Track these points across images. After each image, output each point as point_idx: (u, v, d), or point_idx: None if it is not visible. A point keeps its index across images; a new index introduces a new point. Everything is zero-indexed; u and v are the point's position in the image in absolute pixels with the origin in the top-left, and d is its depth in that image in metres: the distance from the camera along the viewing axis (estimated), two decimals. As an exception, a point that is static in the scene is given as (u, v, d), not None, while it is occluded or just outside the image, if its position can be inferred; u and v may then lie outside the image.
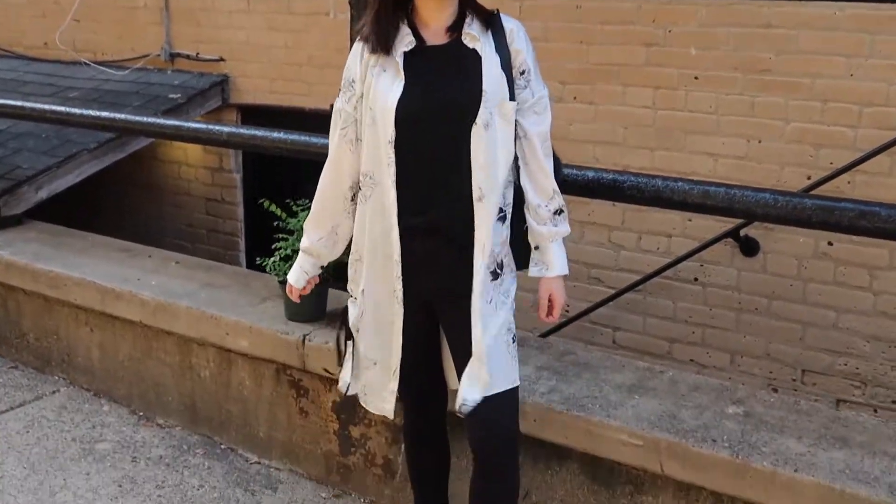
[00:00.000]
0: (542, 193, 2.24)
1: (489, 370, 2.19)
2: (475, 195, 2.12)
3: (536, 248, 2.28)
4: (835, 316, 4.35)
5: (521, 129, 2.20)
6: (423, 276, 2.24)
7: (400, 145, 2.14)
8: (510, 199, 2.23)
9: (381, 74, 2.17)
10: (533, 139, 2.20)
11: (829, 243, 4.28)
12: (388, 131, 2.14)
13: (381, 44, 2.14)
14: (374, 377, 2.40)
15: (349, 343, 2.43)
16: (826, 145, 4.25)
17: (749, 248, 4.48)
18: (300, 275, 2.52)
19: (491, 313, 2.20)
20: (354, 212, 2.33)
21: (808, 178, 4.27)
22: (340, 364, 2.55)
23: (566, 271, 2.31)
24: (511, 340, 2.25)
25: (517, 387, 2.27)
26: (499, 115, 2.12)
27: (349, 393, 2.46)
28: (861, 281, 4.27)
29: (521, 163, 2.22)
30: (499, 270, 2.21)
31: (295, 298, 2.59)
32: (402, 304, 2.25)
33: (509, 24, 2.18)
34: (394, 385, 2.34)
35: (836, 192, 4.12)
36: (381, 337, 2.33)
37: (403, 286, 2.23)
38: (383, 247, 2.23)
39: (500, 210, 2.19)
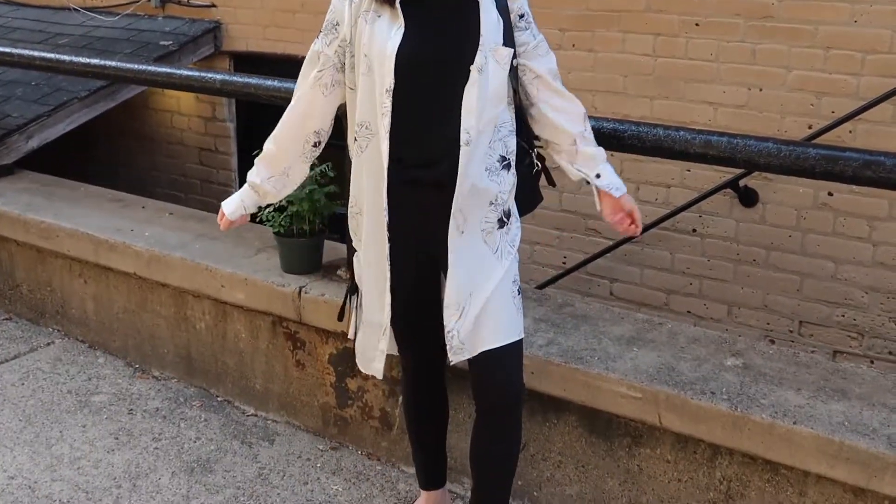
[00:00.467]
0: (577, 118, 2.24)
1: (494, 322, 2.16)
2: (462, 139, 2.07)
3: (597, 176, 2.26)
4: (833, 267, 4.33)
5: (530, 72, 2.17)
6: (419, 228, 2.20)
7: (397, 95, 2.08)
8: (513, 147, 2.18)
9: (375, 20, 2.11)
10: (545, 76, 2.19)
11: (829, 193, 4.24)
12: (387, 80, 2.08)
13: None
14: (367, 335, 2.37)
15: (354, 297, 2.39)
16: (828, 93, 4.19)
17: (748, 198, 4.44)
18: (237, 207, 2.46)
19: (495, 264, 2.17)
20: (312, 158, 2.35)
21: (810, 127, 4.22)
22: (341, 318, 2.51)
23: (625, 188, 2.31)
24: (517, 292, 2.21)
25: (521, 339, 2.24)
26: (493, 59, 2.08)
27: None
28: (860, 231, 4.24)
29: (543, 106, 2.20)
30: (505, 219, 2.18)
31: (223, 227, 2.49)
32: (388, 259, 2.20)
33: None
34: (384, 345, 2.29)
35: (838, 142, 4.07)
36: (373, 294, 2.30)
37: (391, 241, 2.18)
38: (377, 199, 2.19)
39: (503, 158, 2.15)
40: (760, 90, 4.33)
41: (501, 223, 2.17)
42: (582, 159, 2.25)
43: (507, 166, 2.17)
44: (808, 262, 4.38)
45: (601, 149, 2.28)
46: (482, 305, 2.15)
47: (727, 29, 4.34)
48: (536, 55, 2.17)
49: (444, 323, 2.17)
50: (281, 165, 2.37)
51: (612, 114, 4.61)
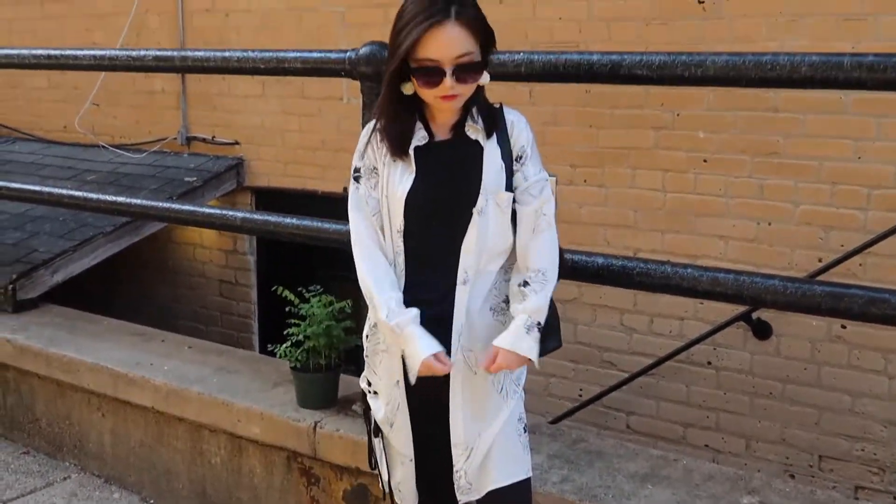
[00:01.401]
0: (520, 268, 2.20)
1: (501, 461, 2.17)
2: (460, 278, 2.14)
3: (527, 329, 2.17)
4: (850, 400, 4.31)
5: (517, 211, 2.20)
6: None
7: (407, 235, 2.18)
8: (506, 293, 2.23)
9: (392, 165, 2.21)
10: (522, 216, 2.19)
11: (843, 326, 4.26)
12: (398, 221, 2.18)
13: (399, 147, 2.18)
14: (408, 472, 2.33)
15: (377, 439, 2.37)
16: (836, 227, 4.26)
17: (762, 331, 4.46)
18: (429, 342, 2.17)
19: (500, 403, 2.20)
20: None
21: (820, 260, 4.27)
22: (371, 463, 2.48)
23: (532, 356, 2.16)
24: (522, 430, 2.23)
25: (530, 478, 2.24)
26: (494, 202, 2.15)
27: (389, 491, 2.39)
28: (876, 364, 4.24)
29: (518, 239, 2.20)
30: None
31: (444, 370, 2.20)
32: (404, 392, 2.23)
33: (510, 115, 2.23)
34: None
35: (848, 275, 4.12)
36: (406, 430, 2.30)
37: (406, 374, 2.22)
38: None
39: (492, 308, 2.20)
40: (769, 224, 4.41)
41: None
42: (521, 298, 2.19)
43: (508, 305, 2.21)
44: (824, 395, 4.36)
45: (543, 304, 2.18)
46: (489, 445, 2.17)
47: (734, 165, 4.46)
48: (527, 194, 2.19)
49: (453, 462, 2.19)
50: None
51: (623, 248, 4.70)
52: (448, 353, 2.15)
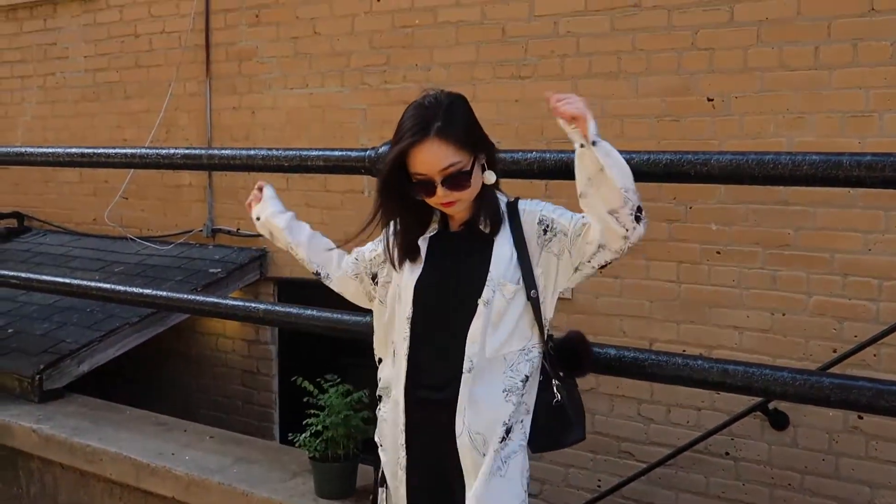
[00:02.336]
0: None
1: None
2: (465, 366, 2.20)
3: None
4: (870, 492, 4.28)
5: (584, 236, 2.19)
6: (434, 448, 2.28)
7: (415, 322, 2.28)
8: (525, 373, 2.25)
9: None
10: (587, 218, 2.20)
11: (859, 417, 4.27)
12: (407, 308, 2.28)
13: (409, 255, 2.31)
14: None
15: None
16: (849, 318, 4.31)
17: (778, 421, 4.47)
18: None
19: (498, 484, 2.21)
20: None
21: (835, 351, 4.30)
22: None
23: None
24: None
25: None
26: (500, 293, 2.22)
27: None
28: (894, 455, 4.23)
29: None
30: (505, 435, 2.22)
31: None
32: (405, 472, 2.30)
33: (523, 205, 2.30)
34: None
35: (863, 365, 4.15)
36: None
37: (408, 457, 2.29)
38: (395, 415, 2.32)
39: (505, 391, 2.22)
40: (783, 315, 4.46)
41: (502, 439, 2.21)
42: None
43: (510, 393, 2.23)
44: (843, 486, 4.34)
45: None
46: None
47: (747, 257, 4.53)
48: (579, 238, 2.20)
49: None
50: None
51: (640, 338, 4.75)
52: (453, 435, 2.20)
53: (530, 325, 2.26)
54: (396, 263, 2.34)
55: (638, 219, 2.11)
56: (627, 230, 2.11)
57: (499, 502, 2.21)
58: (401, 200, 2.27)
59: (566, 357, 2.38)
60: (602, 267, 2.23)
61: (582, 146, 2.13)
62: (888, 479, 4.24)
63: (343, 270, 2.61)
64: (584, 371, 2.47)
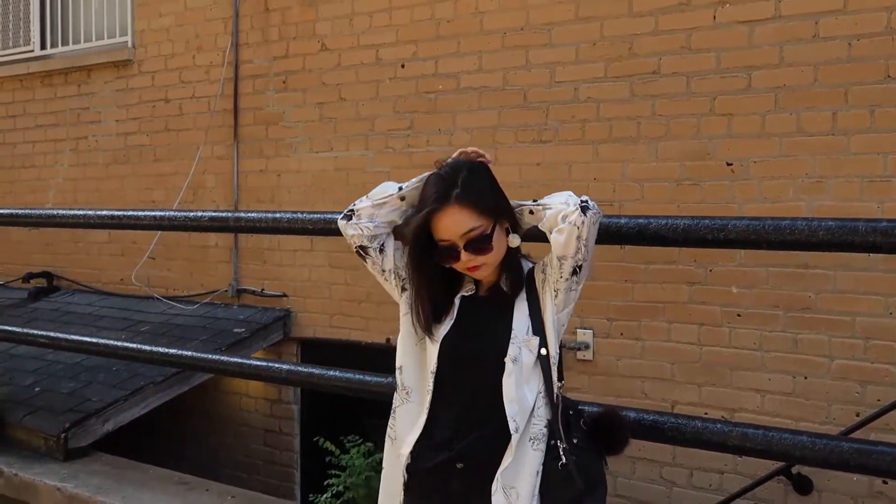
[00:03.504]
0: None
1: None
2: (511, 427, 2.21)
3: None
4: (896, 559, 4.24)
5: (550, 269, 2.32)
6: None
7: (438, 378, 2.29)
8: (547, 417, 2.27)
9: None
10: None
11: (884, 482, 4.23)
12: (433, 362, 2.30)
13: (428, 327, 2.33)
14: None
15: None
16: (872, 382, 4.29)
17: (802, 486, 4.43)
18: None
19: None
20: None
21: (857, 415, 4.28)
22: None
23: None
24: None
25: None
26: (526, 348, 2.26)
27: None
28: (920, 521, 4.19)
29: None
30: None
31: None
32: None
33: (539, 264, 2.37)
34: None
35: (887, 430, 4.12)
36: None
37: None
38: (397, 467, 2.33)
39: (531, 439, 2.25)
40: (805, 378, 4.45)
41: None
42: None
43: (539, 446, 2.26)
44: (869, 553, 4.29)
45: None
46: None
47: (768, 319, 4.54)
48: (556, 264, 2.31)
49: None
50: None
51: (661, 400, 4.75)
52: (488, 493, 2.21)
53: (539, 370, 2.29)
54: (423, 328, 2.34)
55: (584, 209, 2.24)
56: (578, 227, 2.23)
57: None
58: (430, 268, 2.32)
59: (599, 433, 2.37)
60: (573, 274, 2.29)
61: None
62: (914, 547, 4.19)
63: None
64: (617, 451, 2.42)
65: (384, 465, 2.42)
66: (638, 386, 4.87)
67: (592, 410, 2.44)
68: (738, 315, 4.63)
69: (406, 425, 2.36)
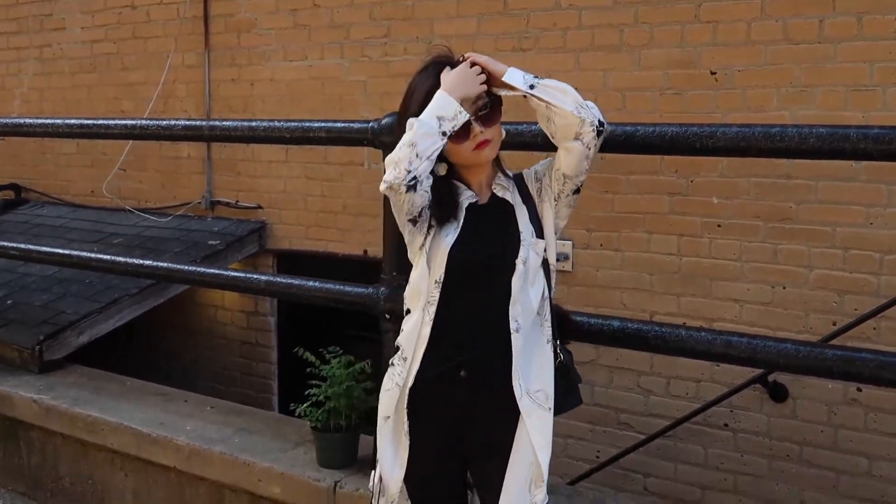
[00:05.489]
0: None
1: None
2: (512, 326, 2.21)
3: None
4: (867, 463, 4.31)
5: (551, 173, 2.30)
6: (448, 426, 2.30)
7: (445, 288, 2.24)
8: (550, 329, 2.30)
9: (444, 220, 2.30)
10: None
11: (858, 389, 4.29)
12: (439, 272, 2.25)
13: (447, 213, 2.27)
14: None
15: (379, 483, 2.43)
16: (850, 292, 4.31)
17: (778, 393, 4.49)
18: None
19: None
20: None
21: (834, 324, 4.32)
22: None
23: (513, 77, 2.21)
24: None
25: None
26: (533, 251, 2.26)
27: None
28: (892, 427, 4.25)
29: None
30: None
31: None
32: (407, 435, 2.29)
33: (524, 172, 2.38)
34: None
35: (863, 339, 4.17)
36: (389, 463, 2.36)
37: (411, 433, 2.28)
38: (406, 379, 2.30)
39: (548, 341, 2.27)
40: (784, 288, 4.47)
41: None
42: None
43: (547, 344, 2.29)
44: (841, 458, 4.37)
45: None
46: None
47: (748, 230, 4.53)
48: (548, 164, 2.33)
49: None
50: None
51: (640, 311, 4.76)
52: (485, 408, 2.23)
53: (542, 273, 2.29)
54: (439, 221, 2.27)
55: (599, 133, 2.19)
56: (590, 148, 2.20)
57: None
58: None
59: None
60: (576, 193, 2.30)
61: (525, 96, 2.22)
62: (886, 451, 4.26)
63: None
64: (568, 336, 2.50)
65: (385, 383, 2.37)
66: (617, 297, 4.88)
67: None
68: (719, 226, 4.61)
69: (410, 341, 2.30)
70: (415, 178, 2.14)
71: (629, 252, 4.87)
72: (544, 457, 2.19)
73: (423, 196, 2.18)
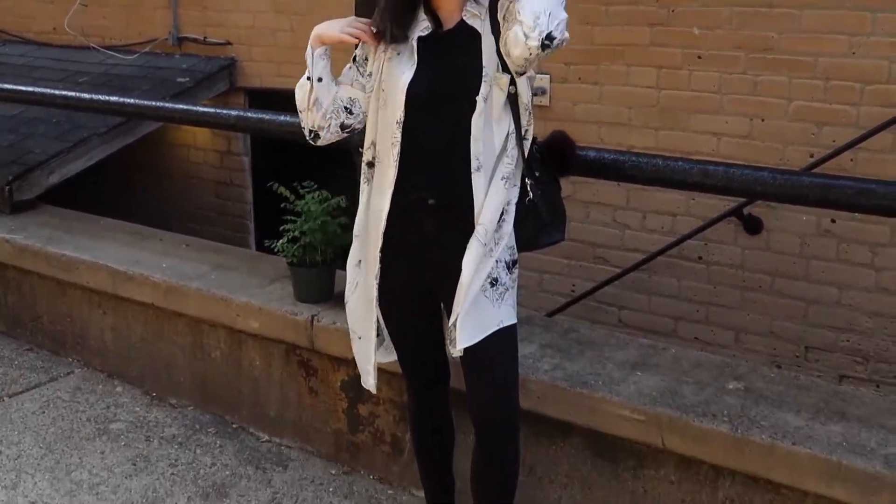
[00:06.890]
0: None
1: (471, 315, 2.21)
2: (473, 165, 2.18)
3: None
4: (837, 293, 4.39)
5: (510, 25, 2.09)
6: (418, 253, 2.31)
7: (407, 126, 2.21)
8: (515, 157, 2.25)
9: (394, 57, 2.25)
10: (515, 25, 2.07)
11: (832, 220, 4.31)
12: (398, 113, 2.21)
13: (400, 35, 2.21)
14: (360, 351, 2.49)
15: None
16: (829, 123, 4.27)
17: (752, 226, 4.52)
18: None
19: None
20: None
21: (811, 156, 4.30)
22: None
23: None
24: (489, 285, 2.23)
25: (509, 335, 2.27)
26: (497, 87, 2.18)
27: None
28: (863, 258, 4.31)
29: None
30: (499, 217, 2.23)
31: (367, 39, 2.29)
32: (377, 279, 2.32)
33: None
34: (375, 359, 2.42)
35: (839, 170, 4.15)
36: (363, 311, 2.41)
37: (385, 263, 2.30)
38: (376, 223, 2.30)
39: (503, 178, 2.23)
40: (762, 121, 4.42)
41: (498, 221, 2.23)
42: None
43: (506, 183, 2.24)
44: (812, 288, 4.44)
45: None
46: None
47: (728, 61, 4.44)
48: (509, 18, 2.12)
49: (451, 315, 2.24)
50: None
51: (617, 144, 4.72)
52: (450, 240, 2.22)
53: (508, 110, 2.22)
54: (390, 36, 2.22)
55: (545, 46, 2.02)
56: (531, 53, 2.04)
57: (482, 320, 2.22)
58: None
59: (552, 157, 2.38)
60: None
61: None
62: (856, 280, 4.33)
63: (343, 85, 2.36)
64: (571, 169, 2.47)
65: (356, 228, 2.39)
66: (594, 131, 4.82)
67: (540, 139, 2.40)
68: (699, 57, 4.52)
69: (378, 188, 2.30)
70: (311, 131, 2.39)
71: (607, 85, 4.78)
72: (463, 291, 2.18)
73: (336, 133, 2.38)
